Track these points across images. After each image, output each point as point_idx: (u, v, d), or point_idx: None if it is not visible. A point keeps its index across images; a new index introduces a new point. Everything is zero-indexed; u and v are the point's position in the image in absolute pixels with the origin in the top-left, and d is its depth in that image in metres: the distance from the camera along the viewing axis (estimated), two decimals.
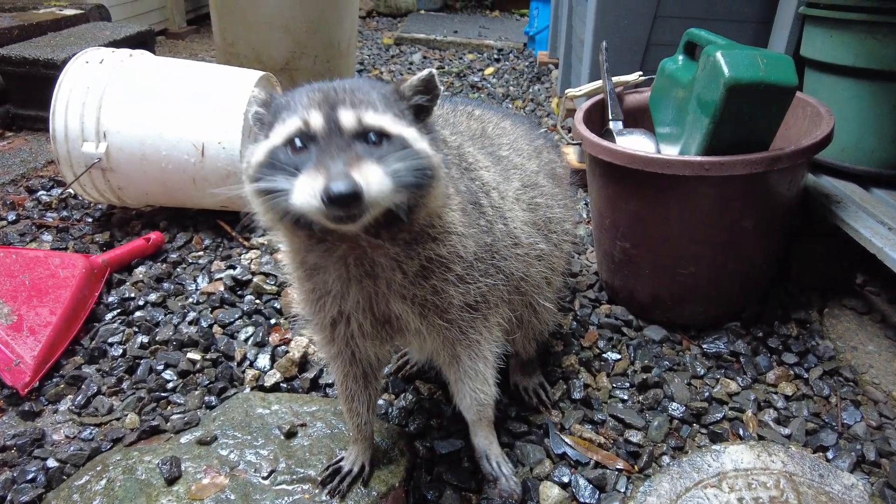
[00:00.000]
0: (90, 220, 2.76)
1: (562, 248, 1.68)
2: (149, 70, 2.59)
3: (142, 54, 2.70)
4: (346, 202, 0.94)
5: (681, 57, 2.05)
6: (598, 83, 2.37)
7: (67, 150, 2.48)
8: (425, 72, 1.16)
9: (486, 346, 1.42)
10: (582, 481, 1.52)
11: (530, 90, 4.68)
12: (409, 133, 1.10)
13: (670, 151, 1.99)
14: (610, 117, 2.16)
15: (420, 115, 1.17)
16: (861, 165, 2.23)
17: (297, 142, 1.05)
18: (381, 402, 1.80)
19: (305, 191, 0.98)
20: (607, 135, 2.13)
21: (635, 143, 2.06)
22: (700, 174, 1.70)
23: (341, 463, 1.51)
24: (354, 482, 1.48)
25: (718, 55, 1.67)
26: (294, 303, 1.43)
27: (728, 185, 1.75)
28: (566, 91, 2.44)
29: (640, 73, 2.37)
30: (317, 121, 1.04)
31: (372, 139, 1.05)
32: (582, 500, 1.49)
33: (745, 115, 1.70)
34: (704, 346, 1.97)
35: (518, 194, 1.54)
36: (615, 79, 2.31)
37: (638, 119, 2.29)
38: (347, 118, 1.04)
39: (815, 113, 1.99)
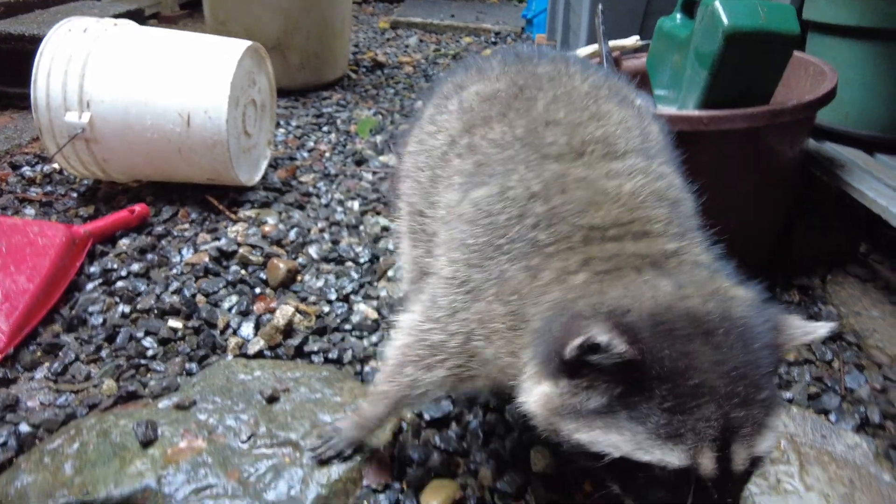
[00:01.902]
0: (75, 194, 2.69)
1: None
2: (134, 39, 2.53)
3: (127, 23, 2.63)
4: None
5: (678, 15, 1.99)
6: (594, 47, 2.30)
7: (49, 119, 2.41)
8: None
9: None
10: None
11: None
12: None
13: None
14: None
15: None
16: (865, 130, 2.17)
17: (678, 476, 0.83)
18: (367, 368, 1.74)
19: None
20: None
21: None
22: (698, 129, 1.64)
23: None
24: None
25: (717, 4, 1.61)
26: None
27: (727, 142, 1.68)
28: None
29: (638, 37, 2.30)
30: (709, 465, 0.81)
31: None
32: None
33: (745, 67, 1.64)
34: None
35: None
36: (612, 43, 2.25)
37: (636, 84, 2.22)
38: (741, 460, 0.83)
39: (818, 72, 1.92)
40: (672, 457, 0.81)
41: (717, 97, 1.68)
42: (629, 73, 2.23)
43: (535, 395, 0.92)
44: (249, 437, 1.47)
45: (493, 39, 5.77)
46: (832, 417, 1.53)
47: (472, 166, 1.18)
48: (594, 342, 0.80)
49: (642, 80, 2.15)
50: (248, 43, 2.58)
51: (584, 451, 0.88)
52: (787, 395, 1.61)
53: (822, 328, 0.88)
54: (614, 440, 0.84)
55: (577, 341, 0.81)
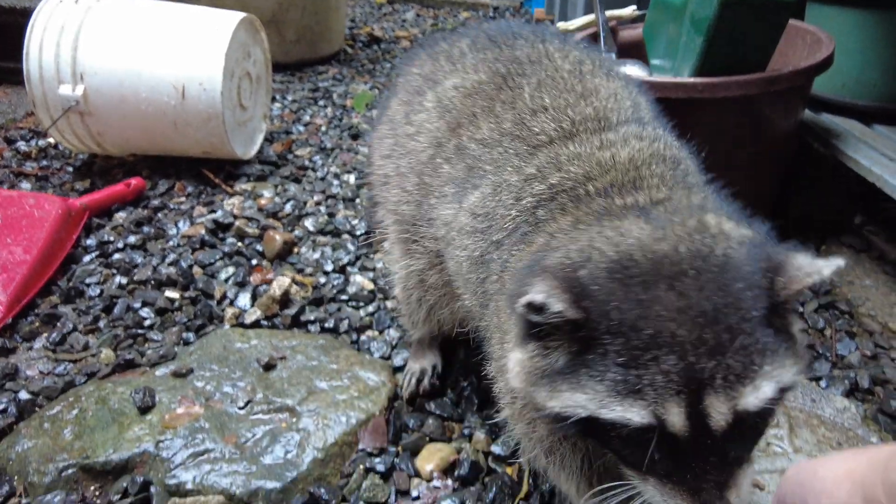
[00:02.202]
0: (70, 169, 2.69)
1: None
2: (126, 10, 2.50)
3: None
4: None
5: None
6: (591, 17, 2.28)
7: (43, 92, 2.40)
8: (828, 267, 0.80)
9: None
10: None
11: None
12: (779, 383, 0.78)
13: None
14: (603, 49, 2.08)
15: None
16: (862, 100, 2.15)
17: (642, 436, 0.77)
18: (363, 337, 1.75)
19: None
20: None
21: (629, 73, 1.98)
22: (692, 97, 1.63)
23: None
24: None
25: None
26: None
27: (722, 110, 1.67)
28: (558, 25, 2.35)
29: (634, 6, 2.28)
30: (677, 421, 0.74)
31: (748, 426, 0.78)
32: None
33: (741, 33, 1.62)
34: None
35: None
36: (608, 13, 2.23)
37: (632, 55, 2.20)
38: (719, 414, 0.74)
39: (814, 40, 1.91)
40: (633, 413, 0.75)
41: (713, 64, 1.67)
42: (626, 43, 2.21)
43: (512, 364, 0.88)
44: (246, 404, 1.48)
45: (491, 14, 5.71)
46: (822, 383, 1.55)
47: (464, 172, 1.14)
48: (534, 302, 0.77)
49: (639, 50, 2.14)
50: (243, 14, 2.55)
51: (562, 422, 0.83)
52: None
53: (826, 267, 0.78)
54: (579, 400, 0.80)
55: (522, 301, 0.78)
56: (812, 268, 0.79)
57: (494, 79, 1.18)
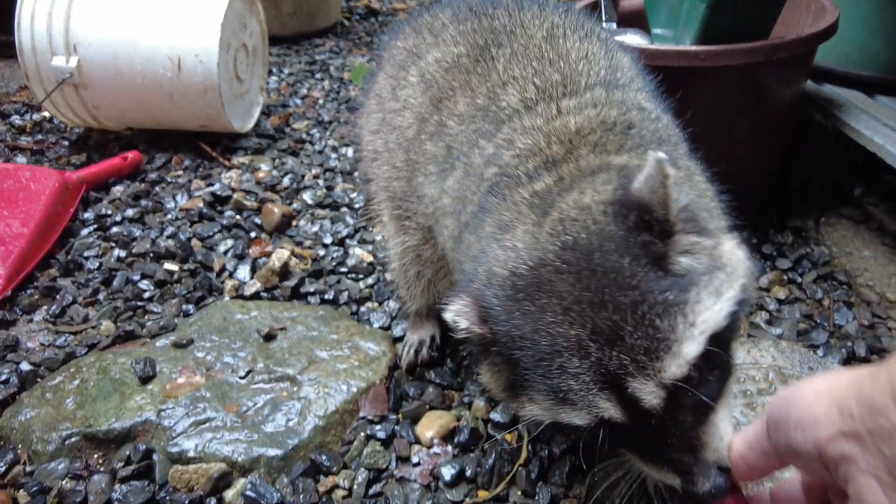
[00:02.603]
0: (66, 142, 2.66)
1: None
2: None
3: None
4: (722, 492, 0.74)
5: None
6: None
7: (36, 64, 2.37)
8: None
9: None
10: None
11: None
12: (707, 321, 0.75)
13: None
14: (603, 18, 2.05)
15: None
16: (866, 71, 2.13)
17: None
18: (363, 309, 1.76)
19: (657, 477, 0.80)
20: None
21: (630, 42, 1.95)
22: (695, 65, 1.61)
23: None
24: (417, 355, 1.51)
25: None
26: None
27: (724, 79, 1.66)
28: None
29: None
30: (614, 414, 0.74)
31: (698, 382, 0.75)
32: None
33: (743, 1, 1.60)
34: None
35: None
36: None
37: (633, 24, 2.17)
38: (648, 393, 0.72)
39: (819, 7, 1.88)
40: (574, 417, 0.75)
41: (715, 32, 1.64)
42: (627, 12, 2.17)
43: (482, 378, 0.89)
44: (247, 373, 1.49)
45: None
46: (820, 352, 1.56)
47: (444, 151, 1.11)
48: (447, 320, 0.78)
49: (640, 19, 2.11)
50: None
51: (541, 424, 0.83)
52: (777, 330, 1.63)
53: (649, 166, 0.74)
54: (535, 410, 0.80)
55: (447, 317, 0.80)
56: (646, 177, 0.75)
57: (472, 51, 1.15)
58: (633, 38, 1.97)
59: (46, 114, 2.77)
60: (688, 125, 1.79)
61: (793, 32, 1.95)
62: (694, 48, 1.61)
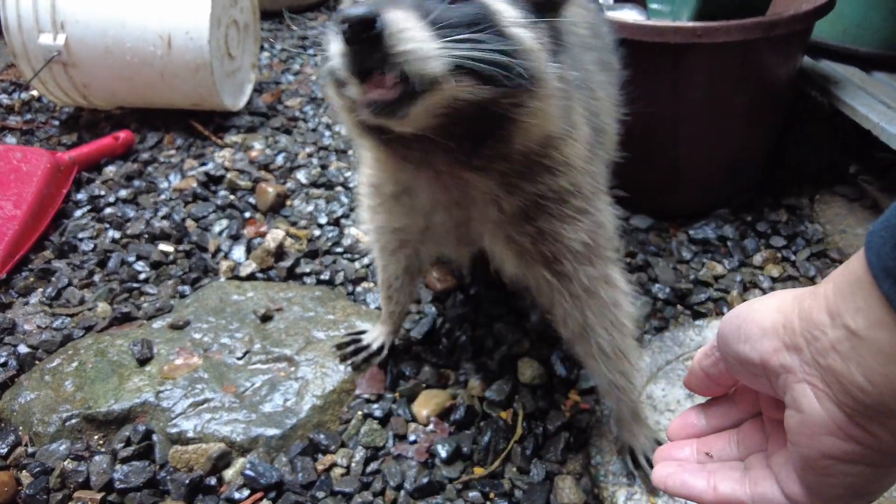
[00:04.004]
0: (56, 122, 2.63)
1: None
2: None
3: None
4: (358, 26, 0.69)
5: None
6: None
7: (23, 42, 2.32)
8: None
9: (622, 300, 1.10)
10: (560, 357, 1.50)
11: None
12: (503, 7, 0.80)
13: None
14: None
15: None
16: (864, 47, 2.12)
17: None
18: (359, 289, 1.76)
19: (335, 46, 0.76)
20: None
21: (626, 18, 1.93)
22: (691, 41, 1.59)
23: (362, 336, 1.49)
24: (370, 358, 1.47)
25: None
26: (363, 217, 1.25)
27: (721, 56, 1.64)
28: None
29: None
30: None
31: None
32: (560, 375, 1.48)
33: None
34: (692, 232, 1.92)
35: (613, 113, 1.29)
36: None
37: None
38: None
39: None
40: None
41: (712, 8, 1.63)
42: None
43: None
44: (244, 354, 1.50)
45: None
46: None
47: None
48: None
49: None
50: None
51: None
52: None
53: None
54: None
55: None
56: None
57: None
58: (630, 14, 1.96)
59: (35, 93, 2.73)
60: (685, 103, 1.79)
61: (790, 7, 1.93)
62: (690, 24, 1.59)
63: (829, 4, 1.68)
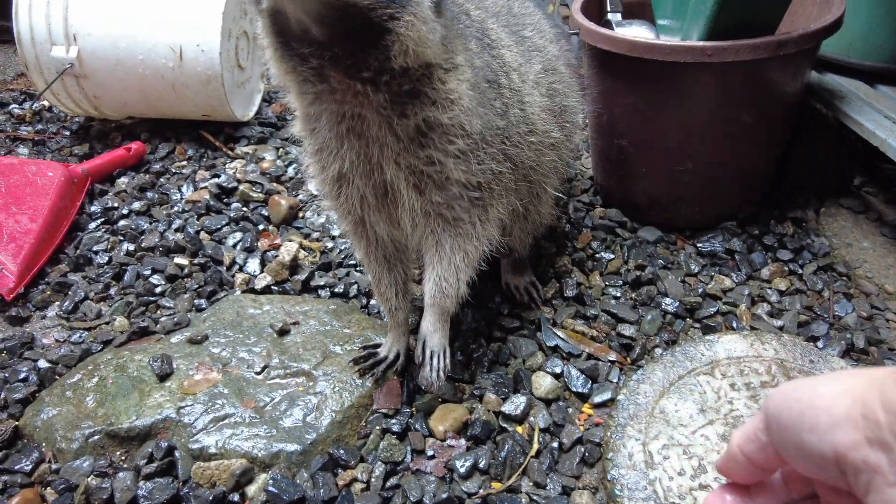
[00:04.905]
0: (67, 132, 2.65)
1: (571, 140, 1.64)
2: None
3: None
4: None
5: None
6: None
7: (35, 55, 2.34)
8: None
9: (474, 242, 1.35)
10: (574, 371, 1.53)
11: None
12: None
13: None
14: (609, 9, 2.05)
15: None
16: (869, 61, 2.14)
17: None
18: (373, 302, 1.78)
19: None
20: (606, 26, 2.02)
21: (635, 34, 1.95)
22: (701, 60, 1.62)
23: (377, 349, 1.52)
24: (389, 369, 1.49)
25: None
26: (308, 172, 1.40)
27: (730, 74, 1.67)
28: None
29: None
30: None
31: None
32: (574, 389, 1.50)
33: None
34: (699, 245, 1.95)
35: (539, 78, 1.46)
36: None
37: (639, 15, 2.17)
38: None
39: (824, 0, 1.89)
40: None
41: (723, 27, 1.65)
42: (632, 2, 2.17)
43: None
44: (263, 369, 1.52)
45: None
46: (820, 344, 1.60)
47: None
48: None
49: (646, 10, 2.11)
50: None
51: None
52: (778, 322, 1.68)
53: None
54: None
55: None
56: None
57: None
58: (640, 31, 1.98)
59: (45, 103, 2.75)
60: (694, 119, 1.81)
61: (798, 25, 1.96)
62: (700, 44, 1.61)
63: (837, 23, 1.71)
